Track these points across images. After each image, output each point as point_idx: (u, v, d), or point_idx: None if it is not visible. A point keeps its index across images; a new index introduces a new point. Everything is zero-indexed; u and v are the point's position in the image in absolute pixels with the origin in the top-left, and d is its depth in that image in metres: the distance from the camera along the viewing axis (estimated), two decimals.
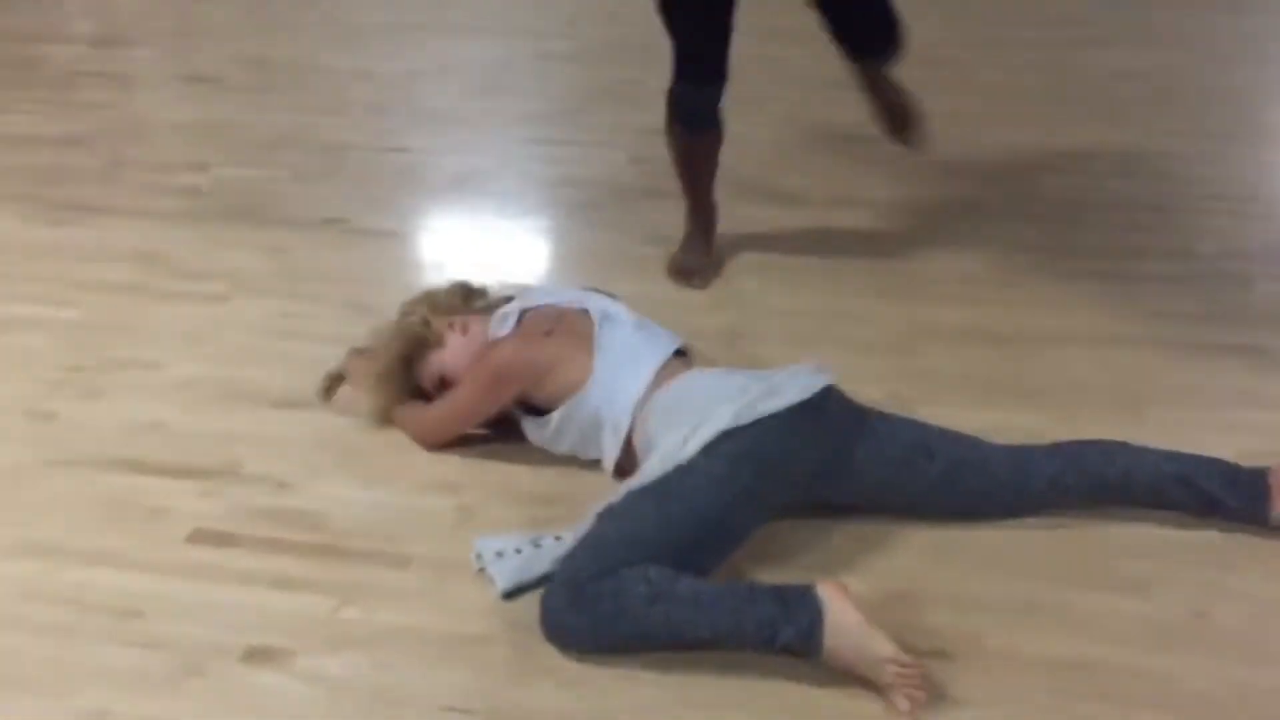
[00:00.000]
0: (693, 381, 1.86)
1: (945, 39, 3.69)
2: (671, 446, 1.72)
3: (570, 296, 2.08)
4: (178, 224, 2.77)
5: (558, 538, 1.74)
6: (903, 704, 1.51)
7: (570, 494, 1.89)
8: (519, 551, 1.74)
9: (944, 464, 1.79)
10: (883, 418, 1.85)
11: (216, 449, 2.00)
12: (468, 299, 2.16)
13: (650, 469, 1.71)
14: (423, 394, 2.07)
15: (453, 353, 2.03)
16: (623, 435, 1.86)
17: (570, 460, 1.95)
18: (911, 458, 1.79)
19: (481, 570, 1.72)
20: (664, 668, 1.58)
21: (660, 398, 1.84)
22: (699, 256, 2.54)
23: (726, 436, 1.70)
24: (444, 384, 2.05)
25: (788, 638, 1.53)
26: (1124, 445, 1.83)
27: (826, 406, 1.79)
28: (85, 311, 2.41)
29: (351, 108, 3.47)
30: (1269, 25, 4.11)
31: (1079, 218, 2.75)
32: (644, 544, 1.62)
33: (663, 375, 1.88)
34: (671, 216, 2.68)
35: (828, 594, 1.54)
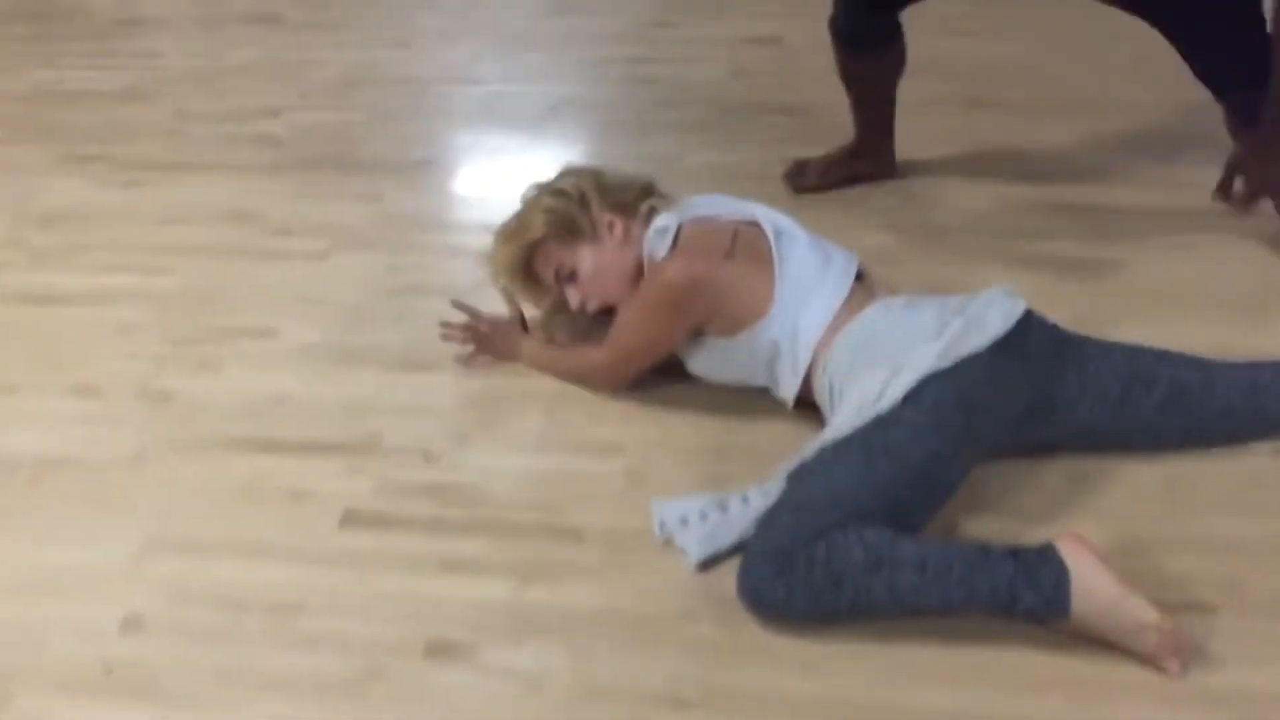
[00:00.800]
0: (880, 317, 1.68)
1: None
2: (868, 394, 1.55)
3: (731, 207, 1.86)
4: (261, 176, 2.61)
5: (745, 499, 1.59)
6: (1169, 666, 1.35)
7: (743, 446, 1.74)
8: (705, 517, 1.58)
9: (1164, 392, 1.62)
10: (1091, 344, 1.67)
11: (351, 421, 1.85)
12: (642, 197, 1.89)
13: (845, 420, 1.55)
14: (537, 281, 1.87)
15: (603, 254, 1.81)
16: (803, 371, 1.69)
17: (734, 408, 1.79)
18: (1128, 389, 1.62)
19: (667, 540, 1.58)
20: (888, 638, 1.43)
21: (846, 335, 1.66)
22: (815, 173, 2.33)
23: (930, 381, 1.53)
24: (569, 278, 1.83)
25: (1029, 604, 1.38)
26: None
27: (1030, 335, 1.62)
28: (181, 278, 2.26)
29: (419, 38, 3.27)
30: None
31: None
32: (851, 504, 1.46)
33: (848, 306, 1.70)
34: (789, 130, 2.48)
35: (1072, 552, 1.37)
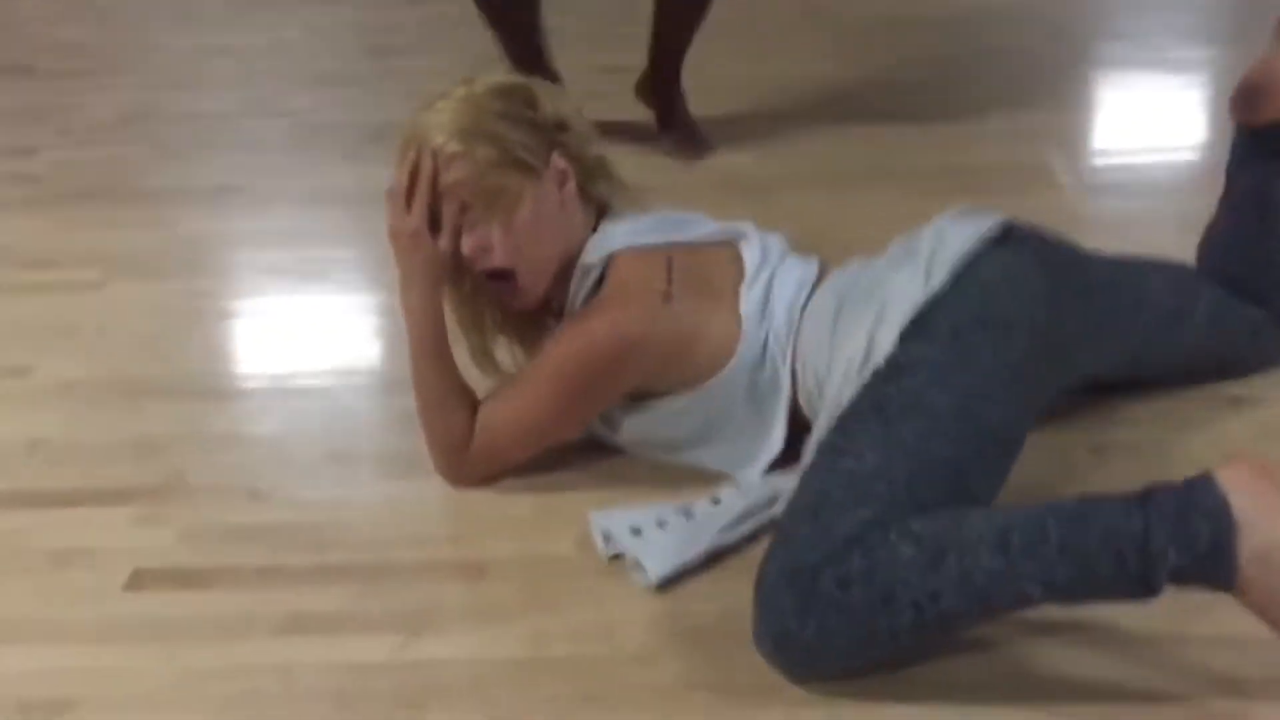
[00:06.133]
0: (840, 277, 1.35)
1: None
2: (856, 357, 1.19)
3: (683, 229, 1.42)
4: (12, 212, 2.14)
5: (715, 500, 1.22)
6: None
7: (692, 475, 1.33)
8: (663, 524, 1.20)
9: (1210, 298, 1.42)
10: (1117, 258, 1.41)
11: (138, 462, 1.39)
12: (597, 173, 1.41)
13: (840, 389, 1.19)
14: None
15: (545, 203, 1.33)
16: (787, 386, 1.31)
17: None
18: (1179, 303, 1.41)
19: (614, 558, 1.18)
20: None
21: (813, 315, 1.32)
22: None
23: (928, 309, 1.18)
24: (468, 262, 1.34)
25: (1173, 567, 0.97)
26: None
27: (1029, 235, 1.29)
28: None
29: (210, 81, 2.87)
30: None
31: None
32: (883, 488, 1.08)
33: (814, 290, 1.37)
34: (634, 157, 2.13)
35: (1241, 487, 0.98)
